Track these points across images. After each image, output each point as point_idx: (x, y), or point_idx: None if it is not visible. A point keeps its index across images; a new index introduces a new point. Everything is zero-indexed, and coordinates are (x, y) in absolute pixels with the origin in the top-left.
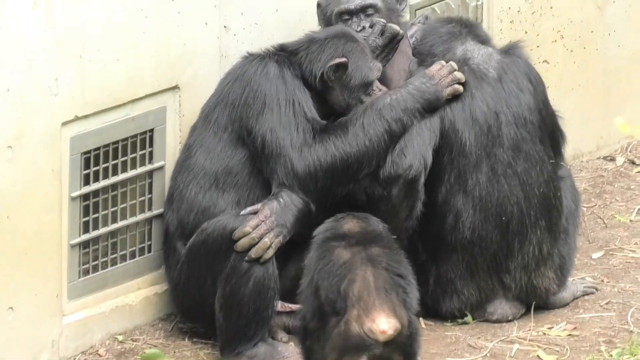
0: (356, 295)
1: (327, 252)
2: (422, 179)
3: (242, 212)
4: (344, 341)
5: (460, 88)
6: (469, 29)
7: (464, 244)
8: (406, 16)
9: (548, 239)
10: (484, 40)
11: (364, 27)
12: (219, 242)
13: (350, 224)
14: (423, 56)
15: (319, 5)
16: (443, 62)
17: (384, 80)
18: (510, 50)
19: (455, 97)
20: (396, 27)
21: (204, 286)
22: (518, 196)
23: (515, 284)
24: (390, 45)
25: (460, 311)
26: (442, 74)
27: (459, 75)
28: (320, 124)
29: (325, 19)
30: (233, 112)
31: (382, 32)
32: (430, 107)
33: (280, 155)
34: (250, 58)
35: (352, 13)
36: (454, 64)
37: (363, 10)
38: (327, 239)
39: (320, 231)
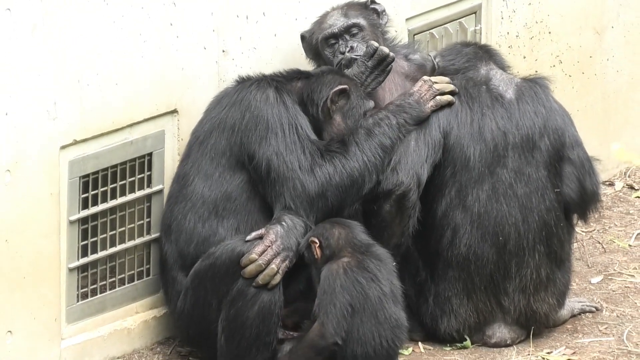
0: None
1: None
2: (414, 197)
3: (248, 237)
4: None
5: (445, 99)
6: (489, 54)
7: (460, 261)
8: (391, 31)
9: (547, 264)
10: (503, 67)
11: (352, 47)
12: (226, 265)
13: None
14: (447, 73)
15: (303, 37)
16: (425, 77)
17: (376, 101)
18: (533, 79)
19: (464, 115)
20: (386, 50)
21: (209, 310)
22: (516, 218)
23: (514, 307)
24: (379, 67)
25: (459, 333)
26: (422, 90)
27: (440, 86)
28: (324, 144)
29: (312, 48)
30: (232, 136)
31: (372, 55)
32: (414, 120)
33: (289, 179)
34: (246, 83)
35: (337, 36)
36: (435, 78)
37: (347, 31)
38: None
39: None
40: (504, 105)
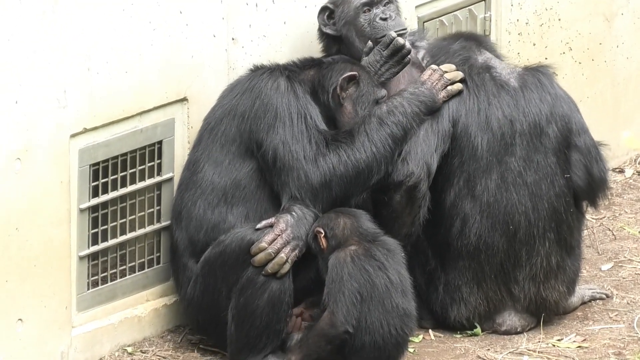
0: None
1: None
2: (424, 187)
3: (258, 226)
4: None
5: (456, 87)
6: (478, 42)
7: (470, 250)
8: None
9: (557, 252)
10: (497, 55)
11: (390, 16)
12: (236, 253)
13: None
14: None
15: (326, 9)
16: (434, 66)
17: (393, 91)
18: (536, 67)
19: (472, 103)
20: (401, 41)
21: (219, 298)
22: (526, 206)
23: (524, 295)
24: (394, 57)
25: (469, 321)
26: (433, 78)
27: (450, 75)
28: (331, 134)
29: (343, 17)
30: (242, 124)
31: (388, 44)
32: (428, 109)
33: (293, 168)
34: (258, 71)
35: (372, 3)
36: (445, 67)
37: (381, 0)
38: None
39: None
40: (510, 93)
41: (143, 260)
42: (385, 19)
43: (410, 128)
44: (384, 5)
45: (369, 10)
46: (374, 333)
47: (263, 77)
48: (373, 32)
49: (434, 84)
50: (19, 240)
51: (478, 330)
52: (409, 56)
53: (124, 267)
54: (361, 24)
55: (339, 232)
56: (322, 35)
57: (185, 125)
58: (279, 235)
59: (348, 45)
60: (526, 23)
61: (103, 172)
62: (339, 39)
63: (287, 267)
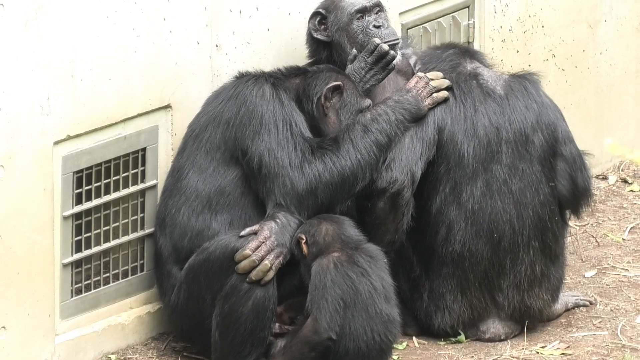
0: None
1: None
2: (408, 194)
3: (242, 233)
4: None
5: (442, 95)
6: (470, 53)
7: (455, 257)
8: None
9: (542, 260)
10: (487, 65)
11: (383, 24)
12: (220, 260)
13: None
14: None
15: (317, 14)
16: (421, 74)
17: (369, 96)
18: (522, 74)
19: (458, 111)
20: (386, 47)
21: (203, 305)
22: (511, 214)
23: (508, 302)
24: (379, 64)
25: (453, 329)
26: (419, 86)
27: (436, 83)
28: (316, 142)
29: (336, 22)
30: (227, 131)
31: (372, 51)
32: (413, 117)
33: (279, 175)
34: (243, 78)
35: (365, 11)
36: (431, 75)
37: (374, 8)
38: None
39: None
40: (496, 101)
41: (127, 267)
42: (378, 27)
43: (394, 135)
44: (376, 14)
45: (362, 18)
46: (358, 339)
47: (248, 84)
48: (366, 39)
49: (420, 91)
50: (1, 248)
51: (462, 337)
52: (393, 62)
53: (108, 274)
54: (354, 30)
55: (320, 239)
56: (312, 40)
57: (169, 132)
58: (263, 242)
59: (338, 51)
60: (509, 30)
61: (86, 179)
62: (329, 44)
63: (271, 274)
